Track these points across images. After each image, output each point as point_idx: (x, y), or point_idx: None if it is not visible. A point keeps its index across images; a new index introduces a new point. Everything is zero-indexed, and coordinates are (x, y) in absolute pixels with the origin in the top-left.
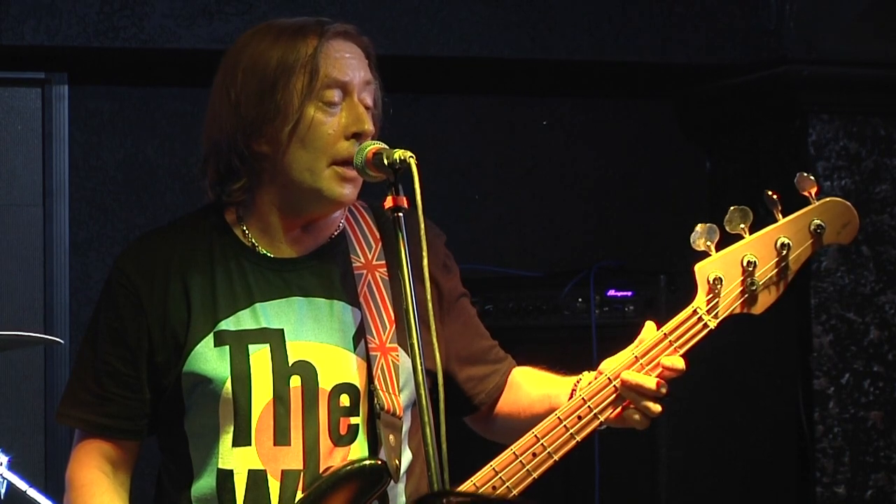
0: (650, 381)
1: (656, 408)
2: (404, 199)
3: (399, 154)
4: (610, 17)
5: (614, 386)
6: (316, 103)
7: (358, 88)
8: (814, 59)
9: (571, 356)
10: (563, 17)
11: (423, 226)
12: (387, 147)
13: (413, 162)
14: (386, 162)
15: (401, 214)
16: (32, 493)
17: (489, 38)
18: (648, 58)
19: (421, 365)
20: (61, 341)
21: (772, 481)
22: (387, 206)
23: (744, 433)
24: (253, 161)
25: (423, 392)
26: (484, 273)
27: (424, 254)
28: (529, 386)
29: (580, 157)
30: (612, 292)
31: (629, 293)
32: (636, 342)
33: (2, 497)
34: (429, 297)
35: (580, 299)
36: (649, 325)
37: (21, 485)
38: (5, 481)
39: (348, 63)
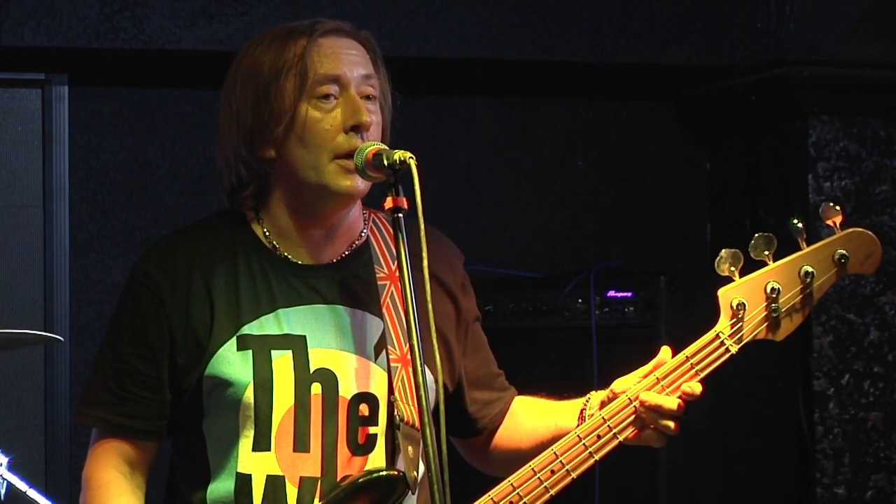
0: (671, 402)
1: (675, 428)
2: (404, 199)
3: (399, 155)
4: (610, 19)
5: (634, 406)
6: (310, 101)
7: (355, 82)
8: (814, 60)
9: (571, 357)
10: (563, 19)
11: (422, 226)
12: (387, 148)
13: (413, 163)
14: (386, 163)
15: (400, 215)
16: (32, 493)
17: (489, 39)
18: (648, 59)
19: (421, 364)
20: (61, 339)
21: (772, 482)
22: (387, 207)
23: (744, 434)
24: (259, 167)
25: (422, 393)
26: (484, 274)
27: (424, 254)
28: (532, 414)
29: (580, 158)
30: (612, 293)
31: (629, 294)
32: (653, 363)
33: (2, 498)
34: (429, 296)
35: (580, 300)
36: (666, 350)
37: (21, 485)
38: (5, 482)
39: (341, 58)
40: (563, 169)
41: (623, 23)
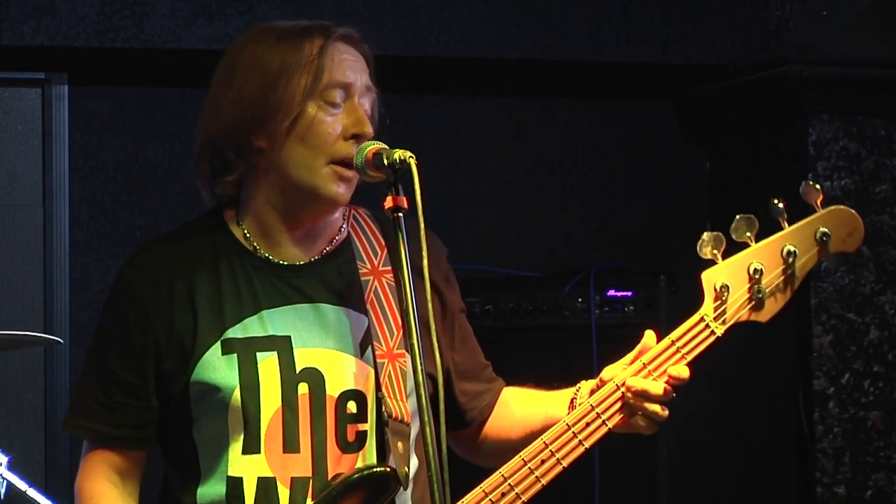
0: (657, 387)
1: (664, 413)
2: (404, 199)
3: (399, 154)
4: (610, 18)
5: (621, 392)
6: (318, 102)
7: (359, 92)
8: (814, 60)
9: (571, 356)
10: (563, 18)
11: (422, 226)
12: (387, 147)
13: (413, 162)
14: (386, 162)
15: (400, 215)
16: (32, 493)
17: (489, 38)
18: (648, 58)
19: (421, 365)
20: (61, 341)
21: (772, 481)
22: (386, 207)
23: (744, 433)
24: (249, 155)
25: (423, 392)
26: (484, 273)
27: (424, 254)
28: (522, 404)
29: (580, 158)
30: (612, 293)
31: (629, 293)
32: (638, 349)
33: (2, 497)
34: (428, 297)
35: (580, 300)
36: (650, 334)
37: (21, 485)
38: (5, 481)
39: (352, 66)
40: (563, 169)
41: (623, 23)
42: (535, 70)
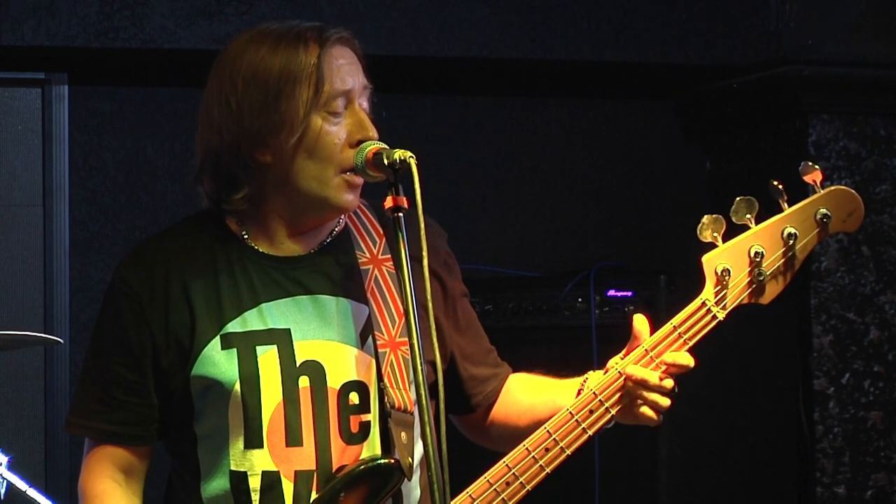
0: (654, 376)
1: (664, 402)
2: (404, 199)
3: (399, 154)
4: (610, 18)
5: (623, 380)
6: (321, 114)
7: (357, 94)
8: (814, 59)
9: (571, 356)
10: (563, 18)
11: (423, 226)
12: (387, 147)
13: (413, 162)
14: (386, 162)
15: (401, 214)
16: (32, 493)
17: (489, 38)
18: (648, 58)
19: (421, 366)
20: (61, 341)
21: (772, 481)
22: (386, 206)
23: (744, 433)
24: (256, 170)
25: (423, 392)
26: (484, 273)
27: (425, 254)
28: (530, 391)
29: (580, 157)
30: (612, 292)
31: (629, 293)
32: (633, 336)
33: (2, 497)
34: (429, 297)
35: (580, 299)
36: (639, 319)
37: (21, 485)
38: (5, 481)
39: (349, 70)
40: (562, 168)
41: (623, 23)
42: (535, 69)
